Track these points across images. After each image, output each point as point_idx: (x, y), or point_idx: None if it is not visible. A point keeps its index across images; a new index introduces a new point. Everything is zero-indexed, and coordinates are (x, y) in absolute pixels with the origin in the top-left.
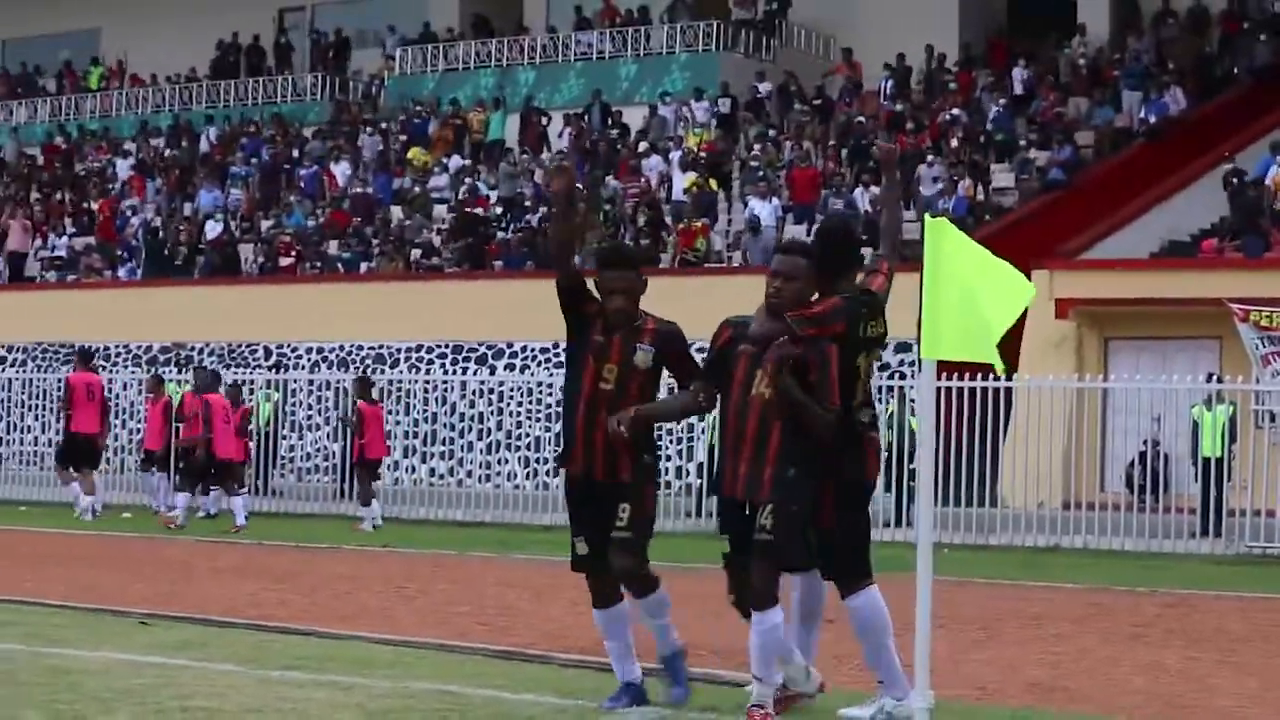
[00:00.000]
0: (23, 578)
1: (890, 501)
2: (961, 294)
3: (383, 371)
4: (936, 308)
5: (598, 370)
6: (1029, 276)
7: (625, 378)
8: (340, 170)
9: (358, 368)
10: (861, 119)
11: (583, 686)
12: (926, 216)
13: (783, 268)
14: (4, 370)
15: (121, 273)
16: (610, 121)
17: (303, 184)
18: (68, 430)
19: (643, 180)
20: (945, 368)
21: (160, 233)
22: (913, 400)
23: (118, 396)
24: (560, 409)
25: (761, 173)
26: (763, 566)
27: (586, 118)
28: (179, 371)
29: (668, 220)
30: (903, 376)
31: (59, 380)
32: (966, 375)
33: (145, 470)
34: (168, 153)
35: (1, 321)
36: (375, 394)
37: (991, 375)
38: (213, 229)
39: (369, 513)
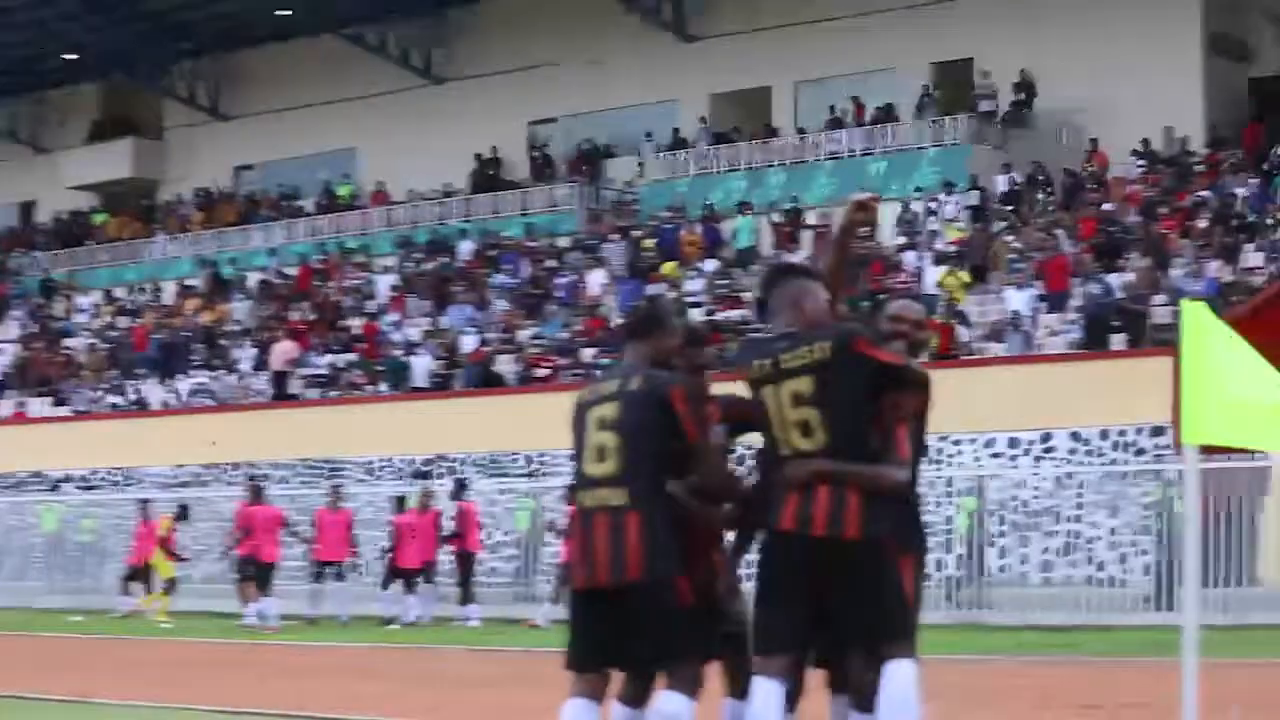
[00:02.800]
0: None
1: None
2: (1221, 378)
3: None
4: (1196, 391)
5: None
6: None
7: None
8: (594, 279)
9: None
10: (1110, 206)
11: None
12: (1183, 301)
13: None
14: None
15: (383, 388)
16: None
17: (561, 294)
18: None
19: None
20: (1208, 450)
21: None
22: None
23: (380, 510)
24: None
25: (1018, 263)
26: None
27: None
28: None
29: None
30: (1158, 459)
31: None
32: (1223, 455)
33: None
34: (426, 267)
35: (267, 439)
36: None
37: (1250, 454)
38: (469, 343)
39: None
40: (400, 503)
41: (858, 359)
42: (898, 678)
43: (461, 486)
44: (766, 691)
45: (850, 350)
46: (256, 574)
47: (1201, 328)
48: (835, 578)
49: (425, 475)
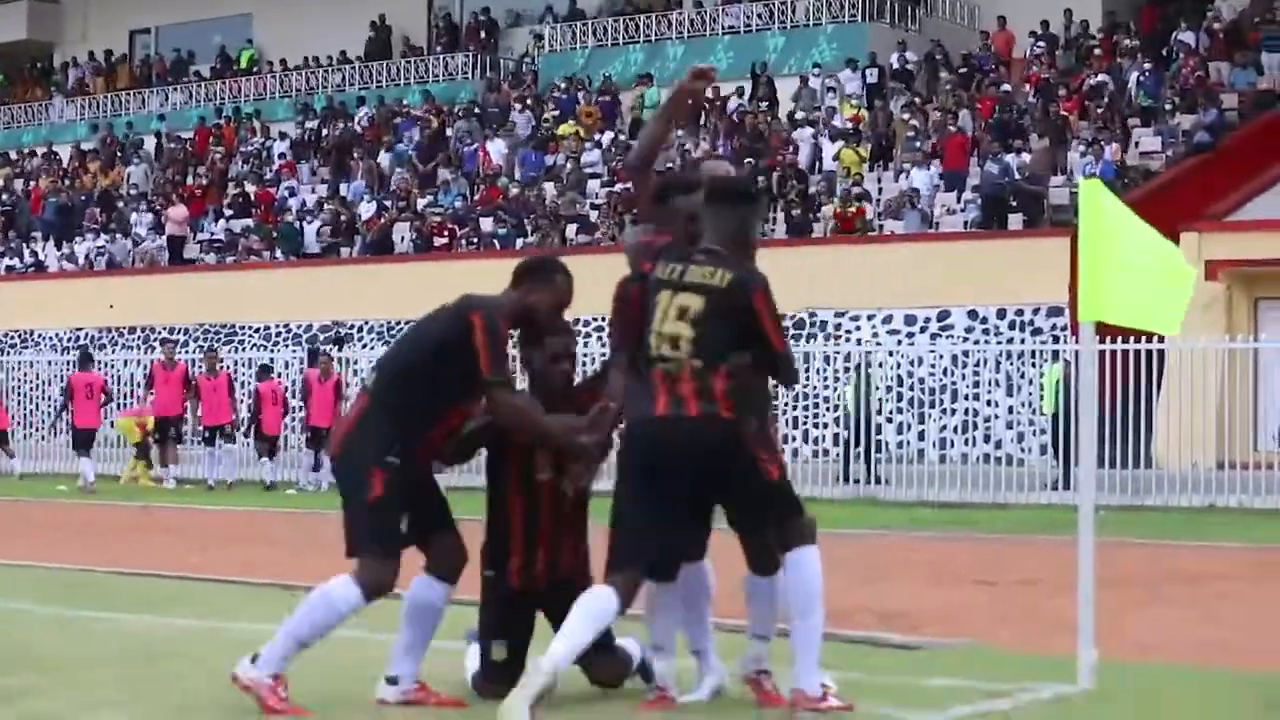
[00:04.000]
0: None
1: (1051, 465)
2: (1119, 258)
3: None
4: (1095, 271)
5: None
6: (1178, 239)
7: None
8: (495, 149)
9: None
10: (1009, 87)
11: None
12: (1081, 178)
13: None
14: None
15: (278, 254)
16: (762, 94)
17: (463, 163)
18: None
19: (791, 150)
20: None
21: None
22: (1067, 362)
23: (280, 375)
24: None
25: (918, 142)
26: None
27: (741, 91)
28: (339, 350)
29: (812, 191)
30: (1056, 340)
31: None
32: (1120, 338)
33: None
34: (323, 134)
35: (164, 305)
36: None
37: (1144, 338)
38: (367, 210)
39: None
40: (265, 371)
41: (746, 308)
42: (803, 566)
43: (314, 355)
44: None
45: (743, 294)
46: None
47: (1100, 206)
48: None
49: (340, 342)
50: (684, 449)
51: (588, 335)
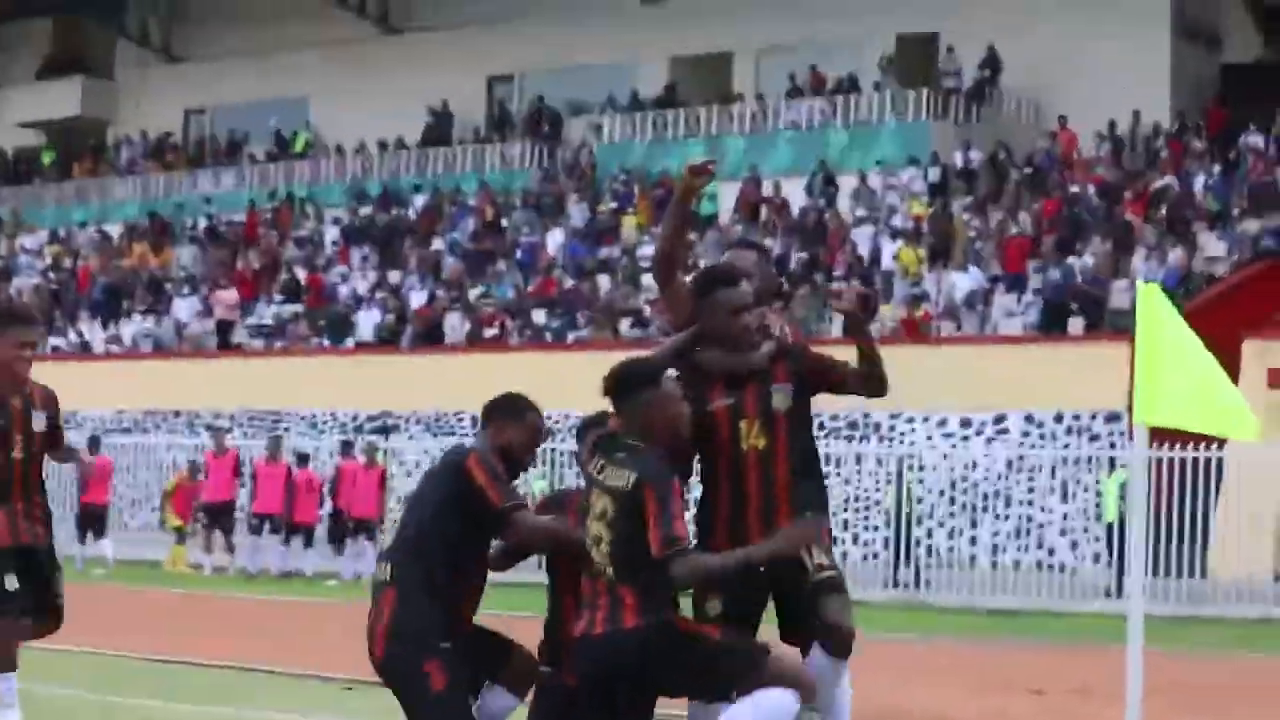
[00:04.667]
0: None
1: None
2: (1177, 359)
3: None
4: (1152, 372)
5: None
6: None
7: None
8: (552, 239)
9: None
10: (1075, 188)
11: None
12: (1139, 282)
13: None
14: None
15: (327, 341)
16: (822, 191)
17: (519, 253)
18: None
19: (847, 247)
20: (1158, 437)
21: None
22: (1122, 466)
23: (323, 464)
24: None
25: (978, 244)
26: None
27: (807, 187)
28: (386, 439)
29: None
30: (1113, 446)
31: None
32: (1178, 445)
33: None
34: (376, 219)
35: (212, 388)
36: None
37: (1203, 445)
38: (418, 299)
39: None
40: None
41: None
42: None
43: (347, 446)
44: None
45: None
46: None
47: (1158, 310)
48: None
49: (383, 431)
50: None
51: None
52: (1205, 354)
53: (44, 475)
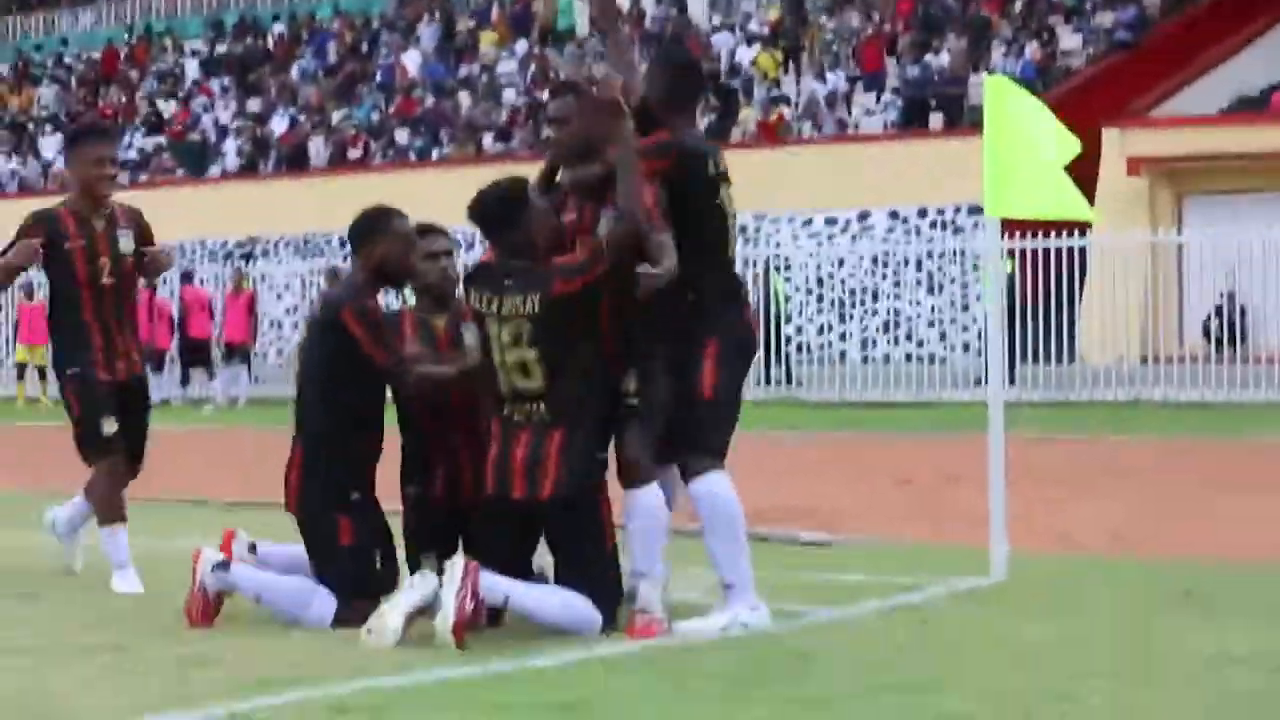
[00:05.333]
0: None
1: (972, 361)
2: (1026, 150)
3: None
4: (1001, 165)
5: None
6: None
7: None
8: (411, 59)
9: None
10: None
11: None
12: (986, 75)
13: (555, 113)
14: None
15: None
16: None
17: (378, 75)
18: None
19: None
20: (1023, 227)
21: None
22: (977, 257)
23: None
24: None
25: (834, 45)
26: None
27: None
28: (250, 264)
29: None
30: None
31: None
32: (1041, 234)
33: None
34: (234, 49)
35: None
36: None
37: (1065, 234)
38: (279, 125)
39: None
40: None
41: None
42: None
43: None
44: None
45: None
46: None
47: (1005, 100)
48: None
49: (246, 258)
50: None
51: None
52: (1058, 132)
53: (135, 301)
